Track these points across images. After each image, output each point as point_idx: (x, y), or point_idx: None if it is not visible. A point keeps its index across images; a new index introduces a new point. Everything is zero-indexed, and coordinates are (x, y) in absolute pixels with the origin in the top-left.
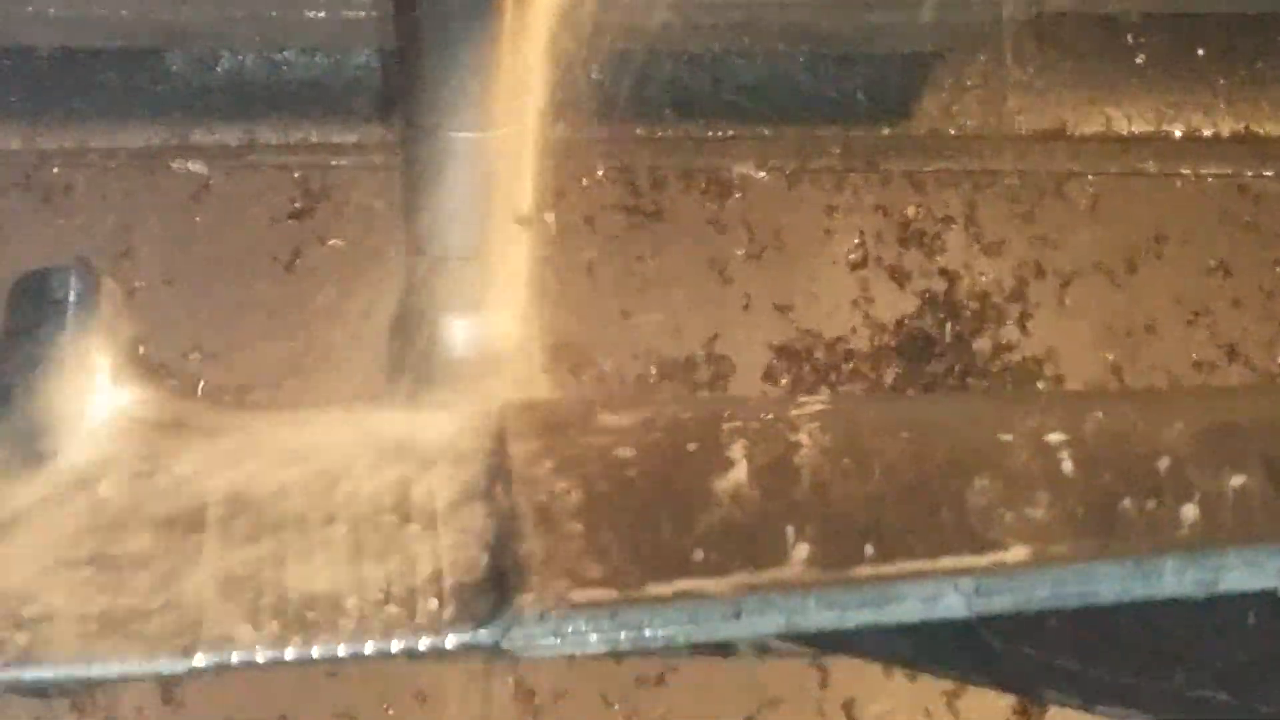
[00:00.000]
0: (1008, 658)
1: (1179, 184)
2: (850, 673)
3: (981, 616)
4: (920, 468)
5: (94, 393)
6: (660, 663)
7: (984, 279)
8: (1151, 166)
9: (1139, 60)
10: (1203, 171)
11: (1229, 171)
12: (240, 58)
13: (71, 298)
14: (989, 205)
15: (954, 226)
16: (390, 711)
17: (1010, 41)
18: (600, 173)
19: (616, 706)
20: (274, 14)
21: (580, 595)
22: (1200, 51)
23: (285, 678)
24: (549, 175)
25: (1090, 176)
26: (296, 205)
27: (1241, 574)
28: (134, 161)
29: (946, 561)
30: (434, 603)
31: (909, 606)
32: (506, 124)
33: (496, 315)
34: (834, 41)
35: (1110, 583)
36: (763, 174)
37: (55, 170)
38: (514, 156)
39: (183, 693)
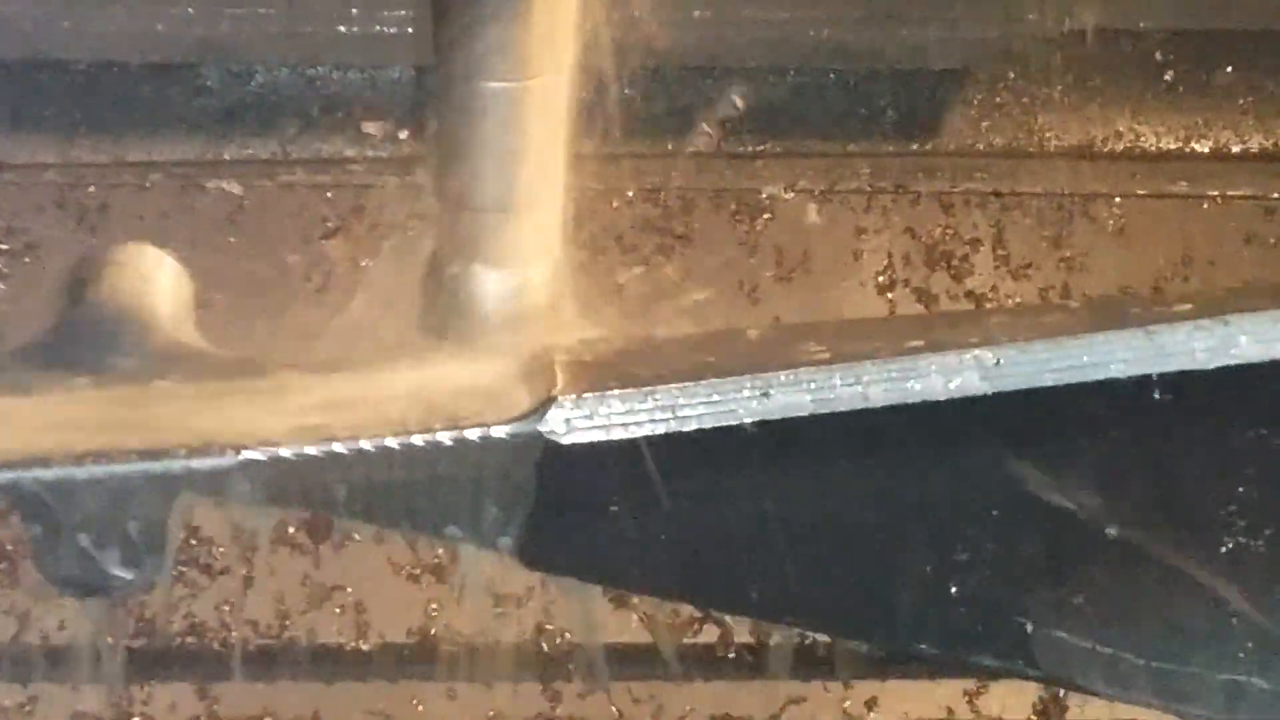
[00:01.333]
0: (1039, 642)
1: (1206, 206)
2: (873, 670)
3: (998, 393)
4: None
5: (152, 334)
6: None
7: (1011, 302)
8: (1179, 188)
9: (1167, 77)
10: (1230, 193)
11: (1256, 193)
12: (274, 73)
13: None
14: (1016, 227)
15: (981, 248)
16: (420, 709)
17: (1039, 58)
18: (630, 193)
19: (643, 704)
20: (308, 29)
21: (616, 381)
22: (1229, 68)
23: (318, 675)
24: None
25: (1118, 198)
26: (329, 225)
27: (1249, 342)
28: (168, 180)
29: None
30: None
31: (930, 382)
32: (541, 73)
33: (530, 267)
34: (864, 58)
35: (1123, 354)
36: (791, 195)
37: (90, 189)
38: (549, 106)
39: (217, 690)
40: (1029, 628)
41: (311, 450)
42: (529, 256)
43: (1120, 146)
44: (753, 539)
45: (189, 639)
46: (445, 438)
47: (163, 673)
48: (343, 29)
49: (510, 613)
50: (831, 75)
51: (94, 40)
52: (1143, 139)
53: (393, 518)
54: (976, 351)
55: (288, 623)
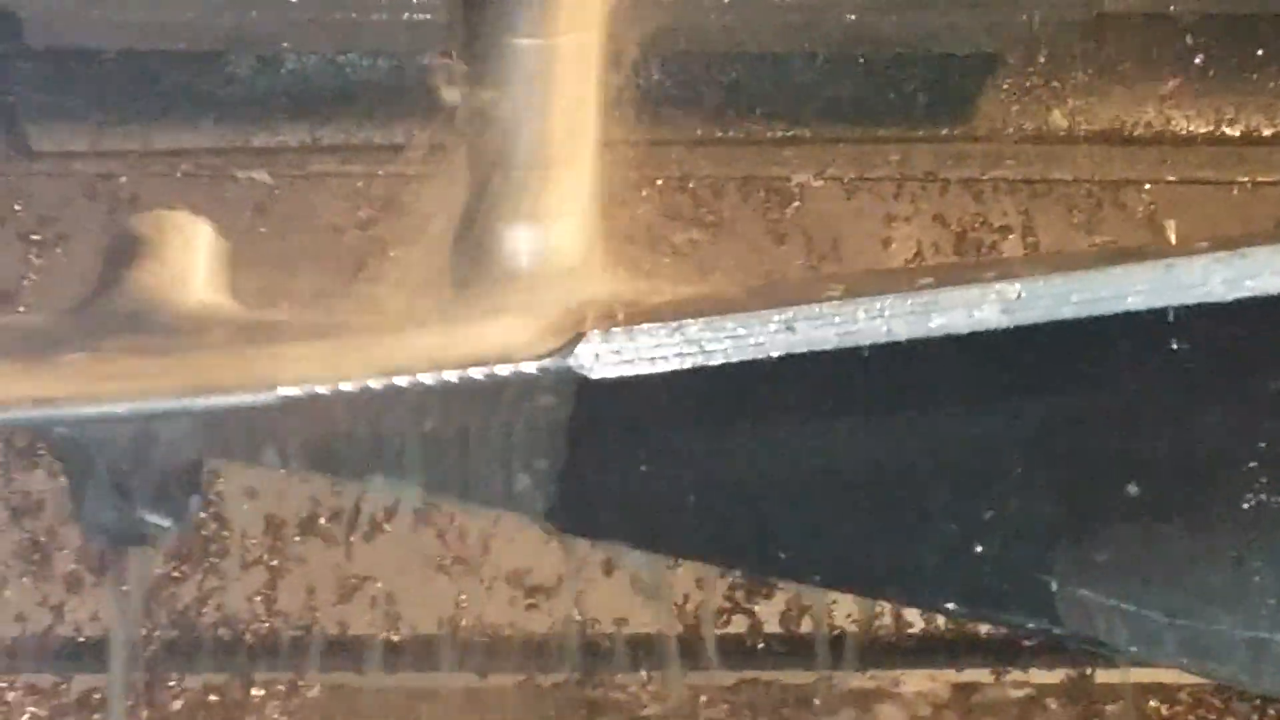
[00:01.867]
0: (1064, 600)
1: (1235, 191)
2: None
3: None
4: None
5: (188, 295)
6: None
7: None
8: (1209, 174)
9: (1198, 60)
10: (1260, 179)
11: None
12: (304, 60)
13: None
14: (1046, 215)
15: (1011, 236)
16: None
17: (1069, 42)
18: (660, 182)
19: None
20: (337, 16)
21: (644, 317)
22: (1260, 52)
23: (348, 666)
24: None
25: (1148, 185)
26: (361, 215)
27: (1268, 274)
28: (199, 171)
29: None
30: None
31: (953, 316)
32: (570, 30)
33: (561, 224)
34: (893, 43)
35: (1141, 285)
36: (821, 183)
37: (121, 180)
38: (580, 63)
39: (249, 681)
40: (1053, 586)
41: (348, 387)
42: (560, 214)
43: (1151, 131)
44: (781, 498)
45: (220, 630)
46: (477, 373)
47: (194, 664)
48: (374, 16)
49: (540, 603)
50: (861, 60)
51: (123, 29)
52: (1173, 123)
53: (428, 481)
54: (998, 285)
55: (317, 614)
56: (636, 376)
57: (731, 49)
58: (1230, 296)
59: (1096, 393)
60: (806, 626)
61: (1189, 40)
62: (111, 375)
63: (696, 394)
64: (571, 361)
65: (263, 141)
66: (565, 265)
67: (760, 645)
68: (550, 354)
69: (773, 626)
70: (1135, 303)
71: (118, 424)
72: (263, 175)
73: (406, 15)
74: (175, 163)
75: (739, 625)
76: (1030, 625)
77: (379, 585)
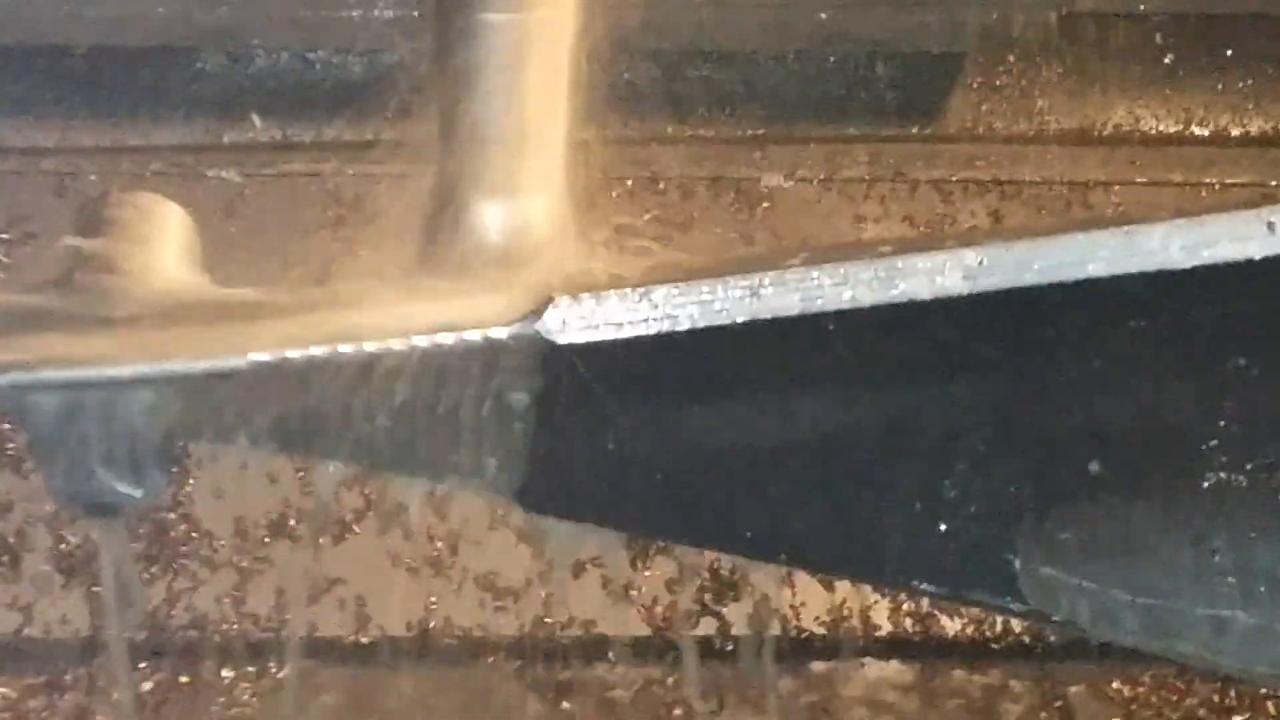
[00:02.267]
0: (1027, 579)
1: (1204, 193)
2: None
3: (982, 294)
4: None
5: (158, 271)
6: None
7: None
8: (1178, 175)
9: (1168, 60)
10: (1228, 180)
11: (1254, 180)
12: (274, 57)
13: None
14: (1015, 216)
15: None
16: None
17: (1039, 41)
18: (629, 183)
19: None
20: (308, 13)
21: (612, 281)
22: (1229, 52)
23: (317, 667)
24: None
25: (1117, 186)
26: (329, 215)
27: (1227, 243)
28: (168, 169)
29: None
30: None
31: (916, 283)
32: (543, 5)
33: (533, 200)
34: (864, 41)
35: (1102, 252)
36: (791, 184)
37: (90, 178)
38: (550, 39)
39: (218, 682)
40: (1017, 564)
41: (319, 352)
42: (531, 190)
43: (1120, 132)
44: (746, 476)
45: (190, 632)
46: (447, 339)
47: (163, 664)
48: (345, 12)
49: (509, 606)
50: (832, 59)
51: (92, 24)
52: (1142, 123)
53: (397, 459)
54: (960, 252)
55: (287, 616)
56: (603, 350)
57: (702, 47)
58: (1189, 264)
59: (1059, 369)
60: (775, 629)
61: (1158, 40)
62: (83, 345)
63: (663, 369)
64: (539, 327)
65: (233, 138)
66: (537, 241)
67: (729, 648)
68: (519, 320)
69: (741, 628)
70: (1096, 269)
71: (88, 390)
72: (232, 174)
73: (378, 11)
74: (145, 160)
75: (707, 627)
76: (995, 604)
77: (348, 587)
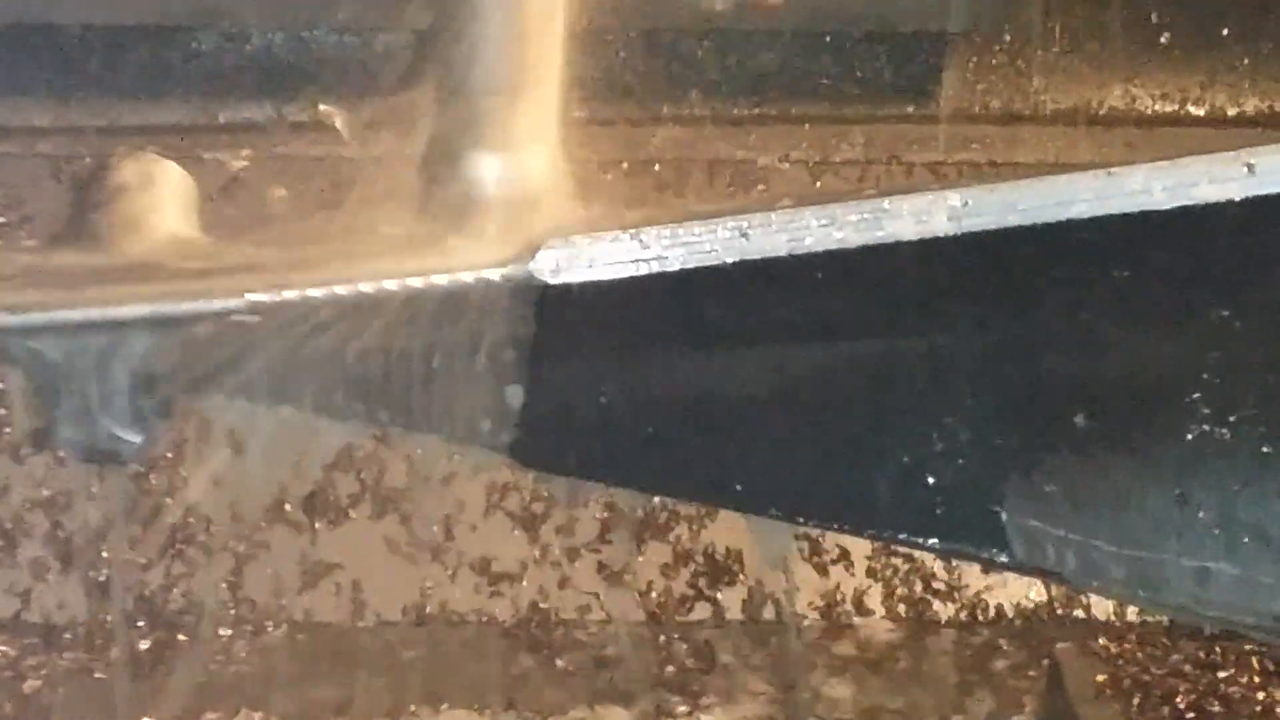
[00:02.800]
0: (1013, 531)
1: None
2: None
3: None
4: None
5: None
6: None
7: None
8: (1174, 154)
9: (1163, 39)
10: None
11: None
12: (269, 36)
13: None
14: None
15: None
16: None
17: (1034, 21)
18: (624, 164)
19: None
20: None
21: (605, 223)
22: (1225, 31)
23: (313, 653)
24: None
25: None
26: (324, 195)
27: (1207, 184)
28: (165, 152)
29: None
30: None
31: (902, 224)
32: None
33: (529, 151)
34: (860, 21)
35: (1085, 194)
36: (786, 165)
37: (86, 161)
38: None
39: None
40: (1004, 516)
41: (315, 293)
42: (527, 141)
43: (1116, 111)
44: (736, 428)
45: (186, 616)
46: (442, 280)
47: (160, 650)
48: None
49: (505, 590)
50: (828, 38)
51: (87, 3)
52: (1138, 101)
53: (392, 412)
54: (945, 193)
55: (283, 601)
56: (596, 300)
57: (697, 26)
58: (1171, 204)
59: (1044, 321)
60: (769, 613)
61: (1154, 19)
62: (81, 294)
63: (654, 318)
64: (532, 267)
65: (228, 118)
66: (531, 192)
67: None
68: (512, 262)
69: (734, 614)
70: (1080, 210)
71: (90, 333)
72: (228, 156)
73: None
74: (140, 141)
75: (702, 612)
76: (982, 555)
77: (344, 572)
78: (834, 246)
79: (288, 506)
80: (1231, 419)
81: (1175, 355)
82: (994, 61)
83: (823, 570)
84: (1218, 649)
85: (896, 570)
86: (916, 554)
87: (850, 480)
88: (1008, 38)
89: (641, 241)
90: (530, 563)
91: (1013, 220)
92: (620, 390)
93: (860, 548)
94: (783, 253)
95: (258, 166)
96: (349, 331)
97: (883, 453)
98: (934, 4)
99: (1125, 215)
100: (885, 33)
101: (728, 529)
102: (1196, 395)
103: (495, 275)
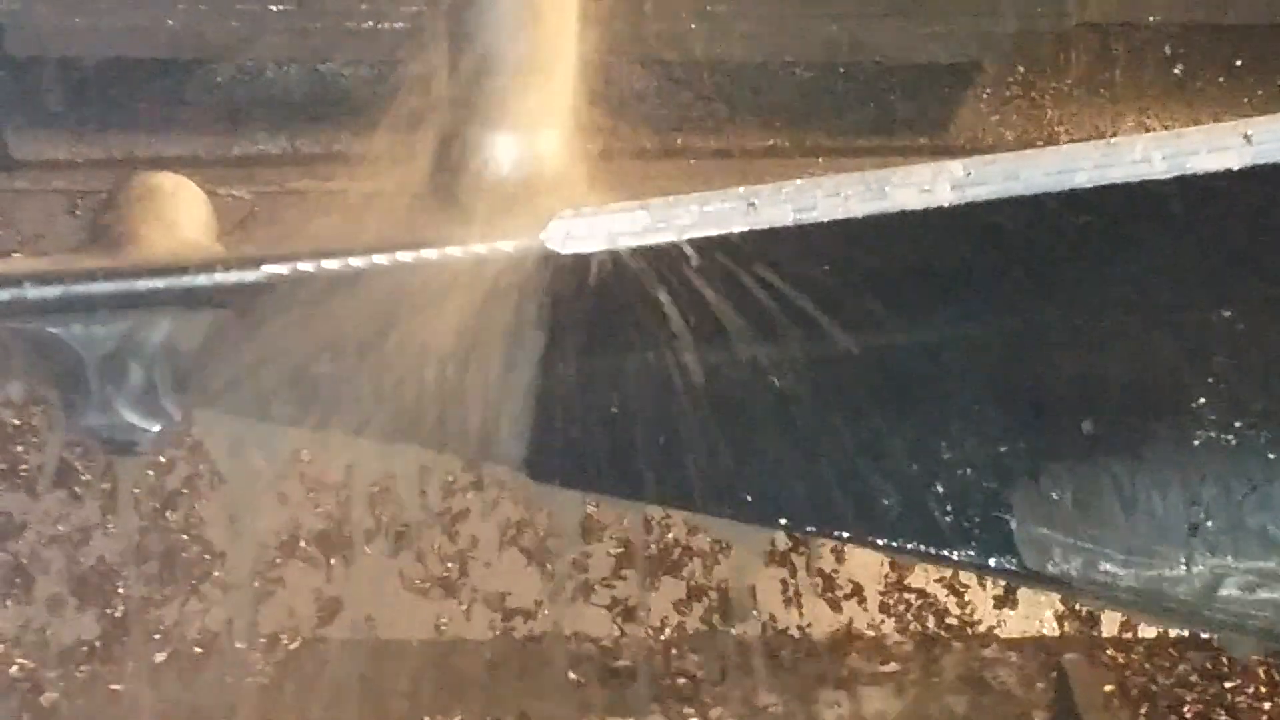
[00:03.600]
0: (1022, 538)
1: None
2: None
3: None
4: None
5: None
6: None
7: None
8: None
9: (1177, 70)
10: None
11: None
12: (284, 69)
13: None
14: None
15: None
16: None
17: (1049, 52)
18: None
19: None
20: (317, 25)
21: (614, 200)
22: (1238, 62)
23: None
24: None
25: None
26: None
27: (1206, 153)
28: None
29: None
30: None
31: (906, 193)
32: None
33: (543, 133)
34: (874, 52)
35: (1085, 164)
36: None
37: (102, 196)
38: None
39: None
40: (1012, 524)
41: (331, 264)
42: (541, 121)
43: None
44: (745, 442)
45: (201, 651)
46: (456, 252)
47: (177, 681)
48: (351, 25)
49: (519, 626)
50: (841, 70)
51: (104, 37)
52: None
53: (403, 426)
54: (948, 164)
55: (300, 636)
56: (606, 302)
57: (712, 58)
58: (1171, 174)
59: (1050, 329)
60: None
61: (1168, 50)
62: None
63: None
64: (544, 237)
65: (242, 150)
66: (546, 173)
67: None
68: (524, 233)
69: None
70: (1081, 180)
71: (109, 306)
72: (243, 192)
73: (386, 24)
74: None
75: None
76: (988, 564)
77: (359, 607)
78: (839, 216)
79: (303, 543)
80: (1238, 424)
81: (1179, 359)
82: (1008, 93)
83: (836, 606)
84: (1224, 659)
85: (909, 605)
86: (929, 589)
87: (858, 490)
88: (1022, 69)
89: (650, 211)
90: (545, 599)
91: (1015, 190)
92: (627, 402)
93: (873, 584)
94: (789, 222)
95: (272, 200)
96: (364, 304)
97: (890, 461)
98: (947, 36)
99: (1128, 202)
100: (899, 65)
101: (741, 565)
102: (1203, 400)
103: (507, 247)
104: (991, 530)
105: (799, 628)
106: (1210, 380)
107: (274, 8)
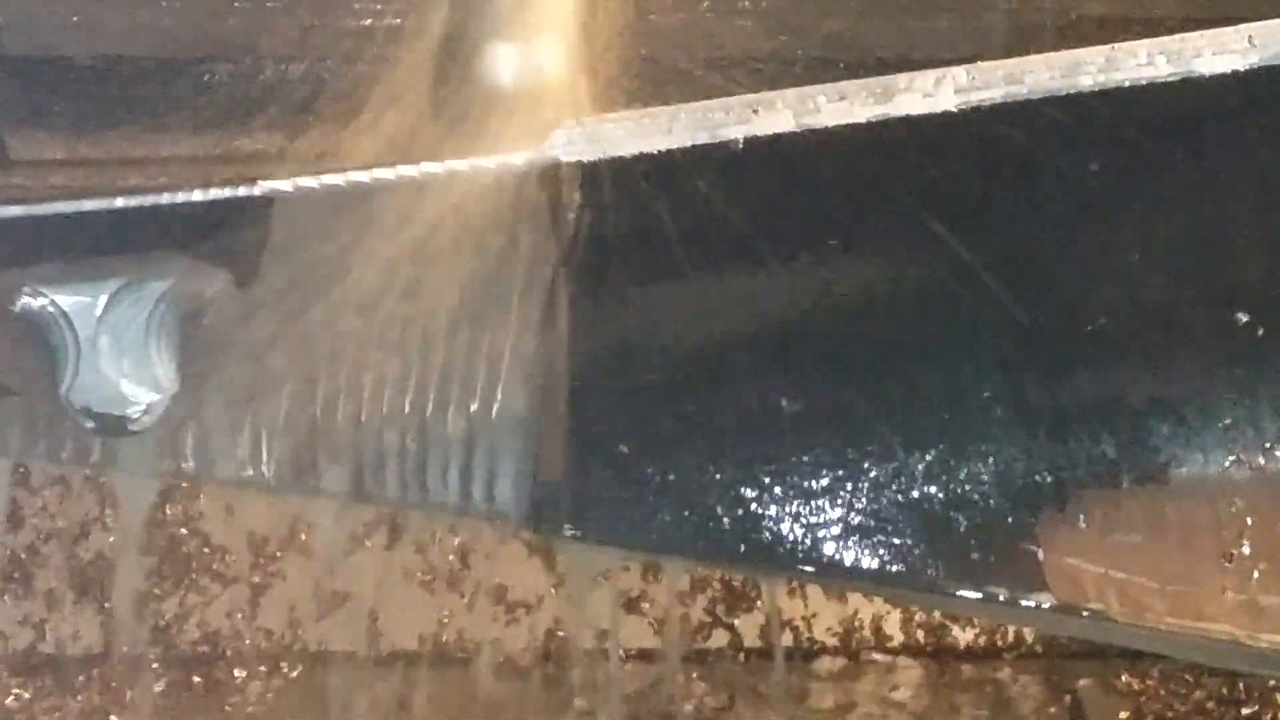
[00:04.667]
0: (1051, 569)
1: None
2: None
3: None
4: None
5: None
6: None
7: None
8: None
9: None
10: None
11: None
12: (283, 67)
13: None
14: None
15: None
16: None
17: (1049, 46)
18: None
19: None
20: (316, 23)
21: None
22: None
23: (329, 681)
24: None
25: None
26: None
27: (1210, 55)
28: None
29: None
30: None
31: (909, 98)
32: None
33: (543, 43)
34: (874, 49)
35: (1088, 67)
36: None
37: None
38: None
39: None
40: (1040, 555)
41: (332, 180)
42: (542, 32)
43: None
44: (764, 487)
45: (201, 647)
46: (461, 165)
47: (176, 678)
48: (350, 23)
49: (521, 618)
50: (841, 66)
51: (101, 35)
52: None
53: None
54: (952, 69)
55: (300, 631)
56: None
57: (709, 54)
58: (1175, 75)
59: (1069, 337)
60: (787, 640)
61: None
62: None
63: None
64: (548, 147)
65: (243, 147)
66: (548, 84)
67: (741, 659)
68: (528, 146)
69: (752, 640)
70: (1086, 83)
71: (104, 280)
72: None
73: (386, 21)
74: (153, 173)
75: (719, 639)
76: (1021, 598)
77: (360, 602)
78: (845, 120)
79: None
80: (1266, 444)
81: (1200, 373)
82: None
83: (841, 596)
84: (1241, 685)
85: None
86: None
87: (878, 529)
88: None
89: (652, 118)
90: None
91: (1019, 94)
92: (638, 449)
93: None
94: (790, 127)
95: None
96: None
97: (905, 494)
98: (947, 31)
99: (1130, 110)
100: (898, 60)
101: None
102: (1229, 420)
103: (517, 159)
104: (1020, 563)
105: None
106: (1233, 397)
107: (271, 4)
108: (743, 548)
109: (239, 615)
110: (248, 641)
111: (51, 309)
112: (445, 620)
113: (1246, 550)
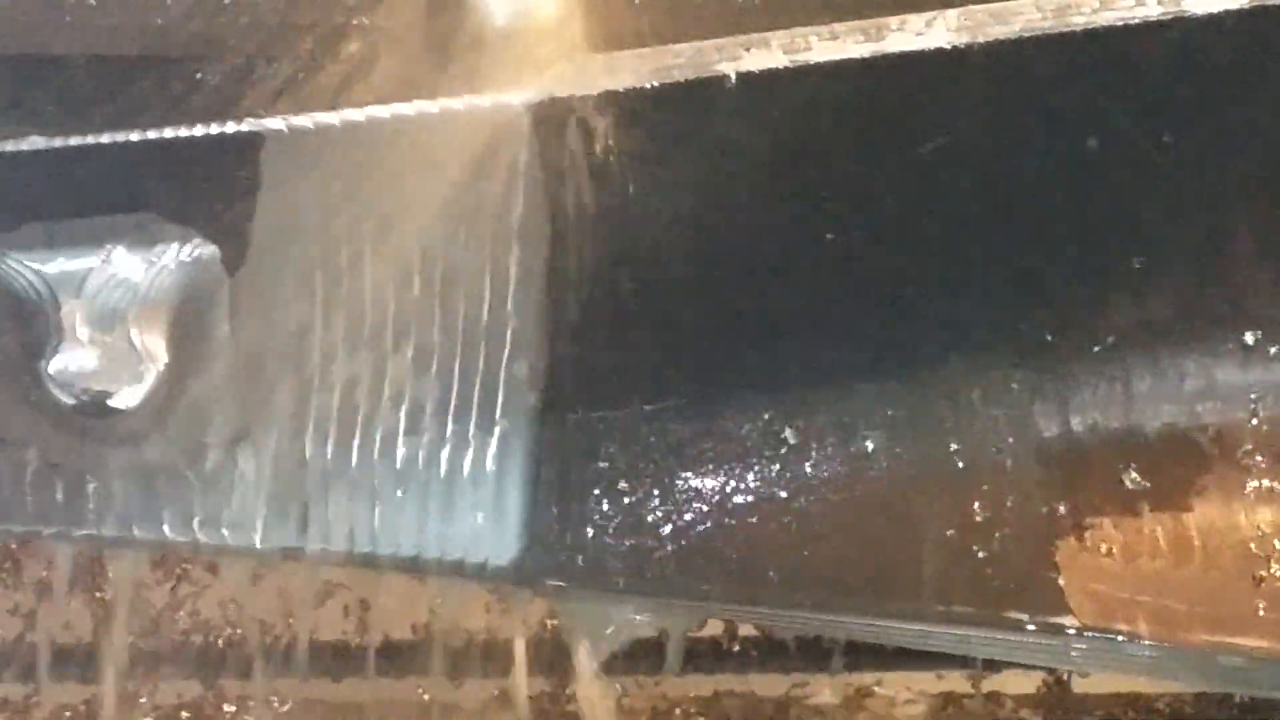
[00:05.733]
0: (1074, 595)
1: None
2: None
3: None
4: None
5: None
6: None
7: None
8: None
9: None
10: None
11: None
12: (273, 66)
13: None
14: None
15: None
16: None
17: None
18: None
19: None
20: (309, 22)
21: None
22: None
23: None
24: None
25: None
26: None
27: None
28: None
29: None
30: None
31: (902, 38)
32: None
33: None
34: None
35: (1085, 10)
36: None
37: None
38: None
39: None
40: (1061, 581)
41: (332, 120)
42: None
43: None
44: (771, 524)
45: (193, 636)
46: (458, 104)
47: (168, 669)
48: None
49: (513, 608)
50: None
51: (91, 34)
52: None
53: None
54: (944, 11)
55: (291, 620)
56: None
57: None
58: (1168, 15)
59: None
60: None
61: None
62: None
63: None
64: (544, 85)
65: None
66: (542, 25)
67: (736, 649)
68: (522, 85)
69: (748, 629)
70: (1078, 21)
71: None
72: None
73: (381, 20)
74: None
75: (714, 628)
76: (1049, 622)
77: (351, 591)
78: (835, 57)
79: None
80: None
81: (1213, 395)
82: None
83: None
84: (1250, 718)
85: None
86: None
87: (893, 555)
88: None
89: (644, 58)
90: None
91: (1011, 33)
92: (633, 479)
93: None
94: (780, 65)
95: None
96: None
97: (921, 526)
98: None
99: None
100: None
101: None
102: (1249, 446)
103: (516, 100)
104: (1043, 590)
105: None
106: (1254, 424)
107: (262, 3)
108: (746, 588)
109: (231, 605)
110: (239, 631)
111: (32, 277)
112: (437, 608)
113: (1276, 570)
